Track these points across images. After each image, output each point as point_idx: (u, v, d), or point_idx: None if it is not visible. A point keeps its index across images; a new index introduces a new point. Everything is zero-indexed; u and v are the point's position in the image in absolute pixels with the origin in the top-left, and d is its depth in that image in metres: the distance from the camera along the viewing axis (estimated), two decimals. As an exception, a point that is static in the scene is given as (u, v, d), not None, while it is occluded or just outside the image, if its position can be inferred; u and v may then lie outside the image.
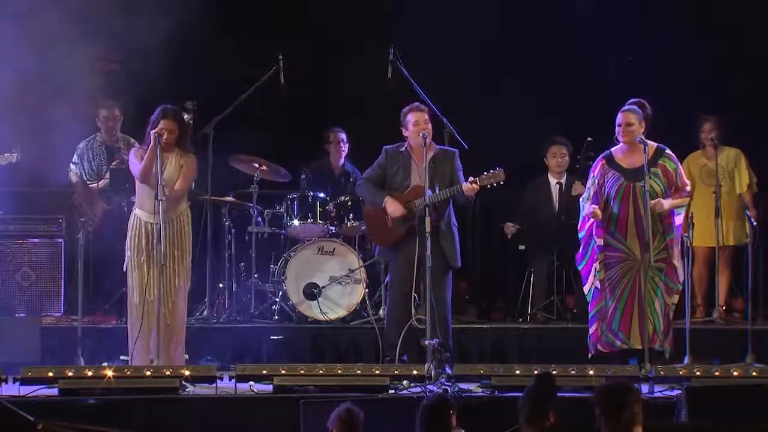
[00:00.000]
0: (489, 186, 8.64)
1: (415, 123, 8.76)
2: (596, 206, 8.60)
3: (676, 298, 8.71)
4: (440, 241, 8.67)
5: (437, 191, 8.62)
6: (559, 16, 10.89)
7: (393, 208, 8.79)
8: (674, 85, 10.53)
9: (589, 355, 8.70)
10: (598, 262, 8.65)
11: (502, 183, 8.64)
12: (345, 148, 10.64)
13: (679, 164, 8.78)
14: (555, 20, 10.93)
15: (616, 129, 8.64)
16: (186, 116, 9.47)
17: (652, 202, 8.49)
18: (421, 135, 8.66)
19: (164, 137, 8.33)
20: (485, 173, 8.63)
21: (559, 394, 6.00)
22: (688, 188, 8.78)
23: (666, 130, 8.99)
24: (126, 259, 8.53)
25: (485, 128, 10.57)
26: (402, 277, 8.85)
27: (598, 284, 8.68)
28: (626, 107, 8.67)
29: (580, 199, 8.95)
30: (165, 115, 8.46)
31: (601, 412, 5.57)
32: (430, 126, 8.82)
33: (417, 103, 8.97)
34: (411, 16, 10.82)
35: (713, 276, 10.23)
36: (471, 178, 8.64)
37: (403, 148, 8.90)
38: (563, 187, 10.50)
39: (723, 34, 10.89)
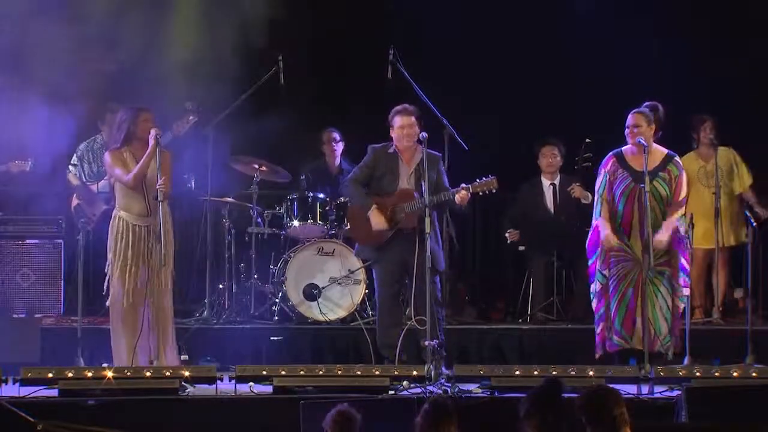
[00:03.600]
0: (481, 193, 8.62)
1: (401, 127, 8.72)
2: (611, 236, 8.58)
3: (683, 299, 8.70)
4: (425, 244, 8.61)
5: (426, 195, 8.55)
6: (559, 16, 10.89)
7: (376, 221, 8.75)
8: (674, 85, 10.53)
9: (597, 356, 8.68)
10: (601, 263, 8.66)
11: (494, 191, 8.61)
12: (339, 147, 10.65)
13: (683, 174, 8.77)
14: (555, 20, 10.93)
15: (626, 130, 8.65)
16: (191, 117, 9.50)
17: (655, 241, 8.48)
18: (421, 136, 8.64)
19: (158, 131, 8.35)
20: (477, 181, 8.60)
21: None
22: (682, 198, 8.74)
23: (666, 130, 9.00)
24: (108, 261, 8.50)
25: (485, 128, 10.58)
26: (389, 278, 8.83)
27: (599, 287, 8.67)
28: (637, 109, 8.67)
29: (596, 194, 8.84)
30: (142, 108, 8.48)
31: (586, 420, 5.58)
32: (416, 129, 8.73)
33: (405, 106, 8.84)
34: (411, 16, 10.83)
35: (711, 277, 10.25)
36: (463, 185, 8.60)
37: (390, 150, 8.85)
38: (557, 188, 10.50)
39: (723, 34, 10.92)
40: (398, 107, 8.81)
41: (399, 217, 8.73)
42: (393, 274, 8.80)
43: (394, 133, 8.78)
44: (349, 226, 9.56)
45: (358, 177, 8.94)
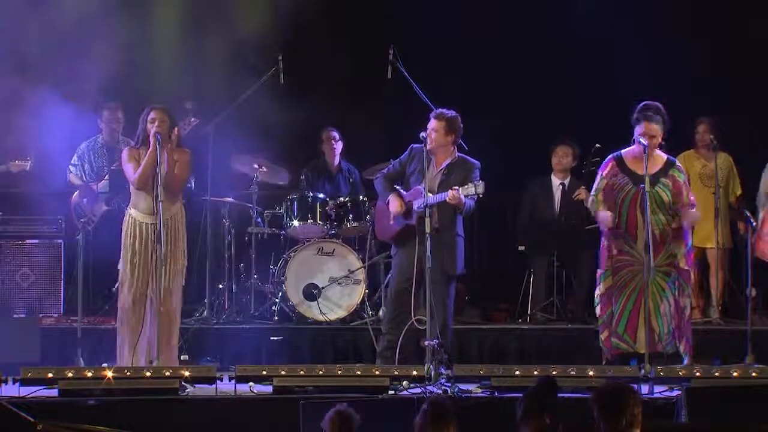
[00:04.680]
0: (468, 196, 8.62)
1: (427, 129, 8.75)
2: (610, 214, 8.58)
3: (687, 301, 8.70)
4: (440, 247, 8.61)
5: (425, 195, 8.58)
6: (559, 16, 10.89)
7: (393, 204, 8.80)
8: (674, 85, 10.53)
9: (604, 361, 8.65)
10: (604, 269, 8.65)
11: (480, 196, 8.59)
12: (338, 146, 10.66)
13: (685, 176, 8.77)
14: (555, 20, 10.92)
15: (636, 132, 8.59)
16: (192, 119, 9.51)
17: (691, 215, 8.56)
18: (421, 136, 8.66)
19: (159, 130, 8.32)
20: (467, 184, 8.60)
21: (559, 394, 5.98)
22: (694, 201, 8.76)
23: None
24: (121, 258, 8.52)
25: (485, 128, 10.57)
26: (399, 276, 8.85)
27: (603, 291, 8.65)
28: (652, 119, 8.57)
29: (591, 193, 8.84)
30: (152, 107, 8.48)
31: (600, 416, 5.55)
32: (436, 134, 8.73)
33: (440, 111, 8.82)
34: (411, 16, 10.83)
35: (706, 277, 10.27)
36: (454, 187, 8.60)
37: (425, 150, 8.87)
38: (566, 188, 10.49)
39: (723, 34, 10.93)
40: (435, 110, 8.84)
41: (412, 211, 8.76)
42: (403, 272, 8.79)
43: None
44: (375, 218, 9.56)
45: (389, 173, 9.00)
